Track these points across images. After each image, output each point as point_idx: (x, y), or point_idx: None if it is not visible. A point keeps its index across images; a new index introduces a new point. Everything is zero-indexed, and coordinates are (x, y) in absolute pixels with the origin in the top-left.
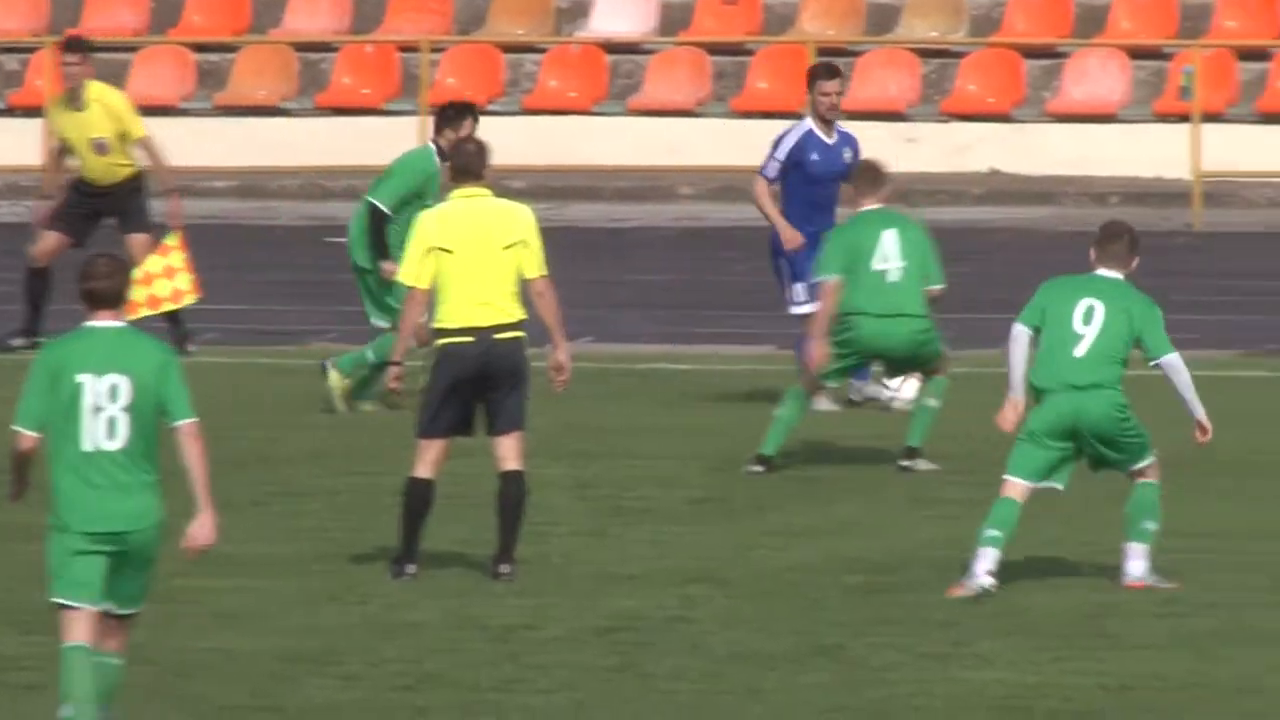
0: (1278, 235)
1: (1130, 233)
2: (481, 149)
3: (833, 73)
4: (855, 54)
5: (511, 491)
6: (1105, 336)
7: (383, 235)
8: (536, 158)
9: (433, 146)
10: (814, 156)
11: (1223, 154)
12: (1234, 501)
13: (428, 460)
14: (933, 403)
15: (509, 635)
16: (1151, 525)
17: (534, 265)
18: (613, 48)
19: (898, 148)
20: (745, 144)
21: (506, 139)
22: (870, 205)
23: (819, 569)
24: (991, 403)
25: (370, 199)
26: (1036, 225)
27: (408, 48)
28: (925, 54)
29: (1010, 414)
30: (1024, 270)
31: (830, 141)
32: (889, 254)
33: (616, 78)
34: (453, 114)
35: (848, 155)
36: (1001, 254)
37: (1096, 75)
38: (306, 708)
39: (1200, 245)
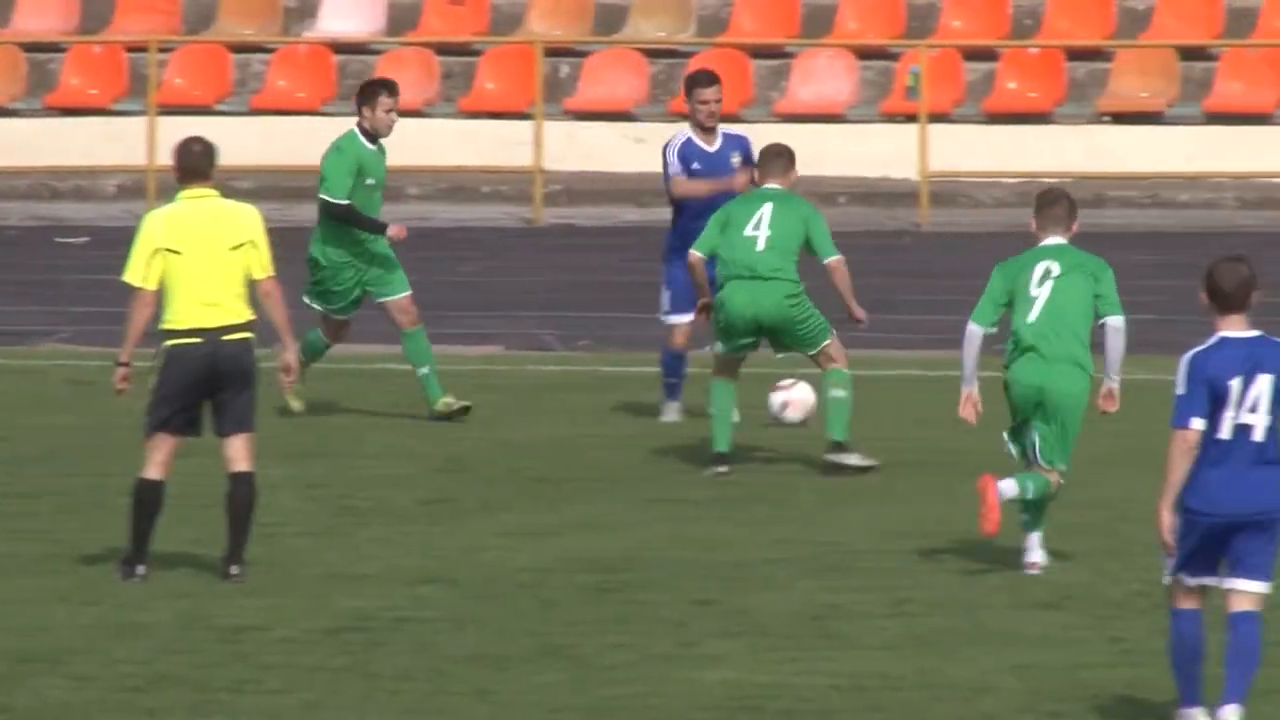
0: (1004, 235)
1: (1067, 196)
2: (208, 149)
3: (711, 80)
4: (583, 54)
5: (241, 492)
6: (1060, 301)
7: (357, 216)
8: (265, 158)
9: (356, 130)
10: (695, 165)
11: (949, 154)
12: (967, 502)
13: (157, 461)
14: (840, 393)
15: (239, 636)
16: (1030, 490)
17: (262, 266)
18: (341, 48)
19: (626, 148)
20: (473, 144)
21: (235, 139)
22: (769, 185)
23: (550, 569)
24: (739, 405)
25: (320, 196)
26: None
27: (136, 48)
28: (653, 54)
29: (968, 407)
30: None
31: (712, 149)
32: (760, 223)
33: (345, 78)
34: (369, 92)
35: (736, 159)
36: None
37: (823, 75)
38: (37, 708)
39: (927, 245)
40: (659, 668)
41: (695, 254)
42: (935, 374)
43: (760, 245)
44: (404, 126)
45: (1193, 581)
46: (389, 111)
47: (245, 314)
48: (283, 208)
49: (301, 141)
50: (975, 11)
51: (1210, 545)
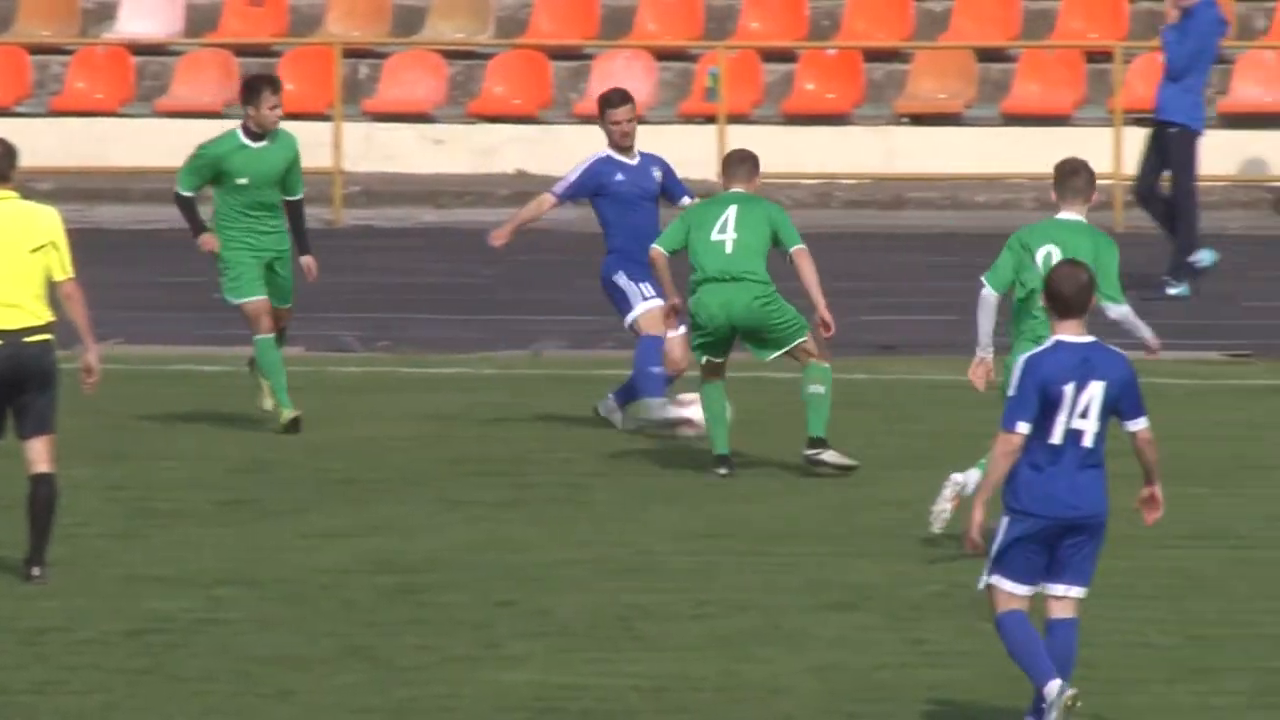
0: (802, 236)
1: (1086, 167)
2: (9, 151)
3: (623, 99)
4: (382, 56)
5: (42, 494)
6: None
7: (188, 211)
8: (64, 159)
9: (238, 129)
10: (618, 177)
11: None
12: (763, 503)
13: None
14: (818, 389)
15: (40, 638)
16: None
17: (62, 268)
18: (139, 49)
19: (425, 150)
20: None
21: (34, 140)
22: (733, 189)
23: (352, 570)
24: (538, 407)
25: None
26: (564, 226)
27: None
28: (451, 55)
29: (978, 370)
30: (552, 270)
31: (633, 162)
32: (727, 226)
33: (144, 79)
34: (253, 89)
35: (657, 174)
36: (529, 254)
37: (622, 77)
38: None
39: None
40: (461, 669)
41: (658, 249)
42: (732, 375)
43: (729, 248)
44: (203, 128)
45: (1025, 590)
46: (274, 109)
47: (45, 315)
48: (83, 209)
49: (101, 143)
50: (773, 13)
51: (1041, 549)
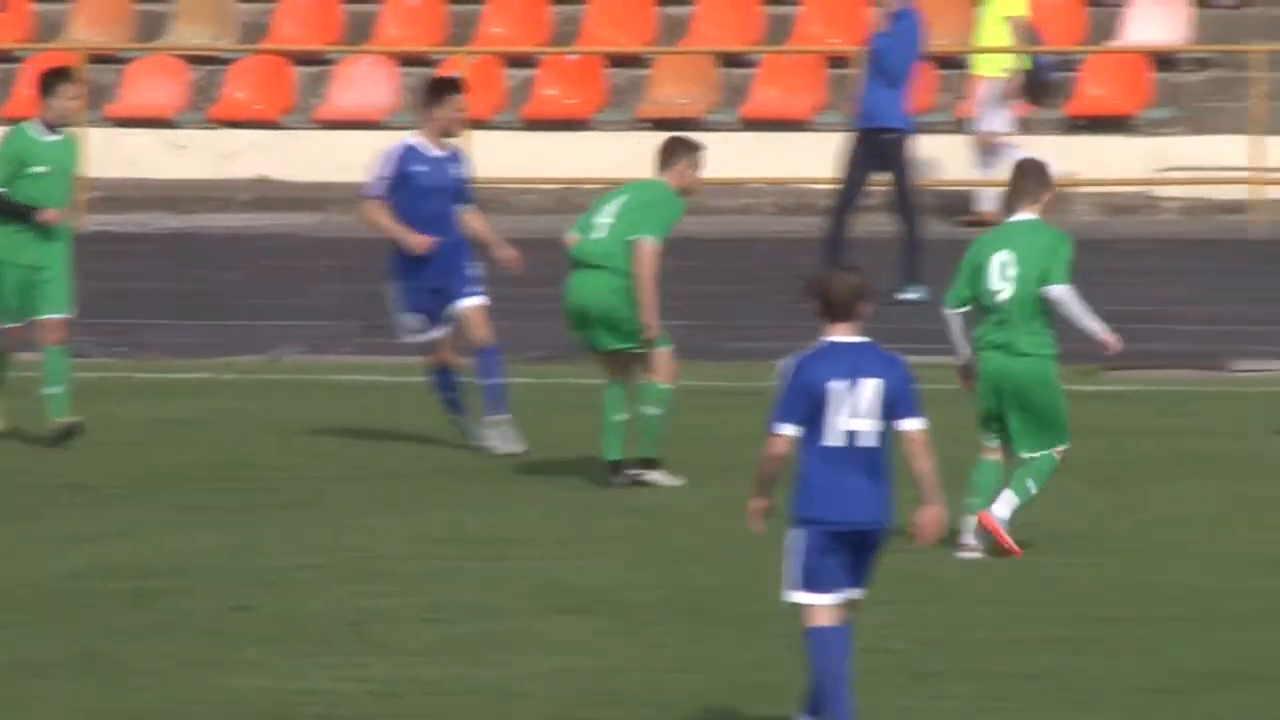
0: (541, 241)
1: (1036, 168)
2: None
3: (462, 86)
4: (125, 61)
5: None
6: (1023, 290)
7: (14, 203)
8: None
9: (33, 121)
10: (421, 168)
11: (490, 161)
12: (498, 509)
13: None
14: (653, 411)
15: None
16: (1032, 486)
17: None
18: None
19: (166, 155)
20: None
21: None
22: (653, 177)
23: (87, 575)
24: (276, 413)
25: None
26: (303, 231)
27: None
28: (194, 60)
29: (962, 377)
30: (292, 275)
31: (441, 155)
32: (609, 212)
33: None
34: (49, 82)
35: (454, 170)
36: (269, 260)
37: (364, 83)
38: None
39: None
40: (196, 674)
41: (571, 235)
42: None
43: (598, 234)
44: None
45: (830, 598)
46: (73, 99)
47: None
48: None
49: None
50: (515, 18)
51: (838, 554)
